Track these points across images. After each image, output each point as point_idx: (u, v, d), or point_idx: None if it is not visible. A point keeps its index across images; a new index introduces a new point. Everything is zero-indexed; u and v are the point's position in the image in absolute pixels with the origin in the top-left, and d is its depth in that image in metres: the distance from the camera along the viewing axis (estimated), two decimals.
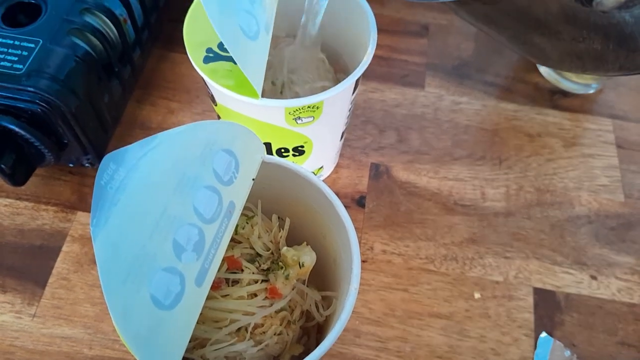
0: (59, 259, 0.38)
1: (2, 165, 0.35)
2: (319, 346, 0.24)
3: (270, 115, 0.32)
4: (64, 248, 0.38)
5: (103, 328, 0.36)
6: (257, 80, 0.29)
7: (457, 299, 0.38)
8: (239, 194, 0.26)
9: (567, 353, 0.36)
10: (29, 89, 0.33)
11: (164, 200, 0.23)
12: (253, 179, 0.28)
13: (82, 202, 0.40)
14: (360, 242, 0.39)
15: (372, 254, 0.39)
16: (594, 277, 0.39)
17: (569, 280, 0.39)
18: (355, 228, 0.28)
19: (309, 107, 0.31)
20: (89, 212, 0.39)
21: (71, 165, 0.40)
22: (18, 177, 0.37)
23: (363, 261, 0.39)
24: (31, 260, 0.38)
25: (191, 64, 0.32)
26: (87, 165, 0.39)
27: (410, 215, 0.41)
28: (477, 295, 0.38)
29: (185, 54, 0.32)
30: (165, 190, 0.23)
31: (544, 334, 0.37)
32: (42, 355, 0.35)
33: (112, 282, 0.21)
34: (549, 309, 0.38)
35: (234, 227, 0.26)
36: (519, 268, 0.39)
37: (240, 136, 0.27)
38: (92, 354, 0.35)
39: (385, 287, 0.38)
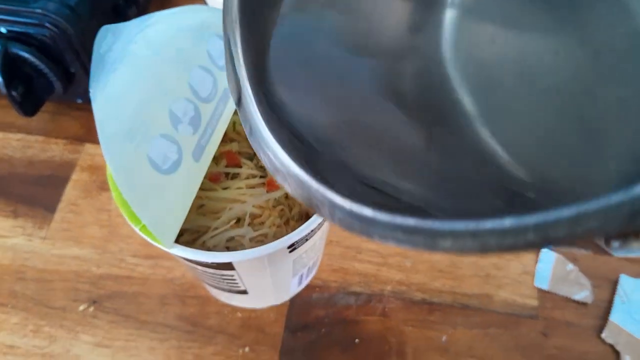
0: (68, 186, 0.39)
1: (13, 93, 0.36)
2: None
3: None
4: (73, 177, 0.39)
5: (110, 248, 0.37)
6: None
7: None
8: None
9: (569, 267, 0.36)
10: (37, 10, 0.34)
11: (160, 72, 0.24)
12: None
13: (90, 135, 0.41)
14: None
15: None
16: None
17: None
18: None
19: None
20: (97, 143, 0.41)
21: (79, 101, 0.41)
22: (28, 106, 0.38)
23: None
24: (41, 188, 0.39)
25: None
26: None
27: None
28: None
29: None
30: (161, 63, 0.24)
31: (545, 249, 0.37)
32: (52, 273, 0.36)
33: (110, 139, 0.22)
34: None
35: (231, 114, 0.27)
36: None
37: None
38: (100, 272, 0.36)
39: None
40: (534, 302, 0.35)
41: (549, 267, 0.36)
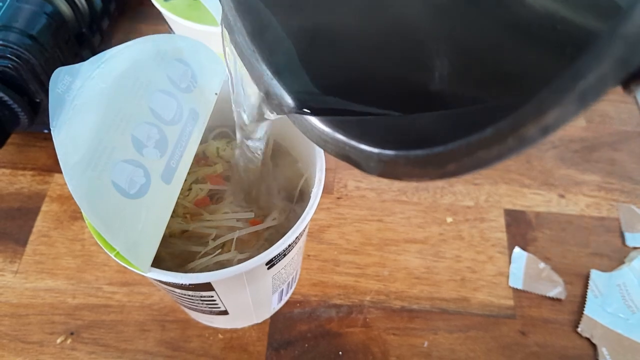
0: (38, 218, 0.38)
1: None
2: (303, 215, 0.25)
3: None
4: (43, 208, 0.39)
5: (85, 277, 0.36)
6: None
7: (430, 224, 0.39)
8: (201, 104, 0.27)
9: (541, 265, 0.37)
10: None
11: (120, 102, 0.24)
12: (216, 94, 0.29)
13: (58, 165, 0.41)
14: (334, 181, 0.40)
15: (347, 190, 0.40)
16: (562, 196, 0.40)
17: (538, 200, 0.40)
18: (329, 169, 0.28)
19: None
20: None
21: (46, 131, 0.41)
22: None
23: (338, 198, 0.40)
24: (11, 221, 0.38)
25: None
26: None
27: None
28: (449, 220, 0.39)
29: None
30: (120, 94, 0.24)
31: (517, 249, 0.38)
32: (26, 307, 0.35)
33: (72, 170, 0.22)
34: (521, 228, 0.39)
35: (201, 134, 0.27)
36: (489, 193, 0.40)
37: (194, 48, 0.28)
38: (76, 303, 0.35)
39: (361, 220, 0.39)
40: (510, 302, 0.36)
41: (522, 267, 0.37)
